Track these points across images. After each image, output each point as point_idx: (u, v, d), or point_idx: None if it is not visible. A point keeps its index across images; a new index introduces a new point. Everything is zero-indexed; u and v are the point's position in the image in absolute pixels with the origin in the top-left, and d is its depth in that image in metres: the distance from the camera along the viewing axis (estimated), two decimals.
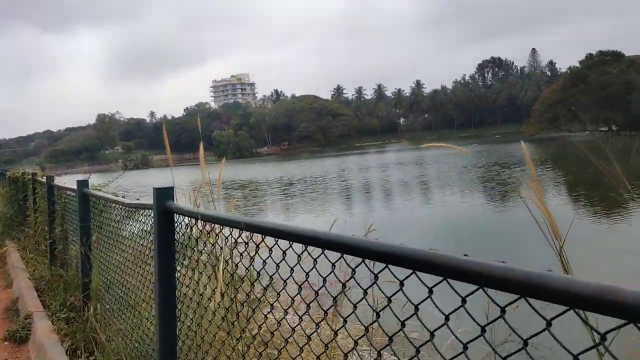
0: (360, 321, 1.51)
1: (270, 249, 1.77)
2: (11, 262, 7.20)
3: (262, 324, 1.98)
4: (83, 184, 4.22)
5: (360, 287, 1.44)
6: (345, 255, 1.41)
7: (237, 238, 2.05)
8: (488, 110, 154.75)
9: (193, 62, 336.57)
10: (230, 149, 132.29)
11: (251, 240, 1.92)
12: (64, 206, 5.62)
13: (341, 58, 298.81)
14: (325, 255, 1.52)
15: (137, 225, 3.33)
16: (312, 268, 1.62)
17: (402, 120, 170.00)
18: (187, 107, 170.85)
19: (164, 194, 2.56)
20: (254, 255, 1.92)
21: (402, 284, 1.29)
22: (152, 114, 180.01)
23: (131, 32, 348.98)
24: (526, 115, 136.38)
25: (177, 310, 2.53)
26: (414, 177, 37.51)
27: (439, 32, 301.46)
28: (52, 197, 6.20)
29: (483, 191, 27.96)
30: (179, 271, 2.57)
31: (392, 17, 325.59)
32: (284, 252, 1.72)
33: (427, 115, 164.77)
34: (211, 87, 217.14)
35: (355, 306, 1.49)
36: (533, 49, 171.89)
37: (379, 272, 1.35)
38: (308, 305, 1.67)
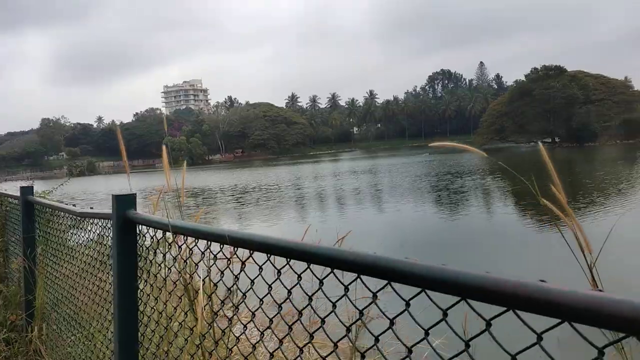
0: (329, 337, 1.38)
1: (261, 267, 1.57)
2: None
3: (233, 346, 1.81)
4: (27, 190, 3.81)
5: (329, 299, 1.36)
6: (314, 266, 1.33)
7: (217, 253, 1.81)
8: (438, 121, 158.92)
9: (144, 68, 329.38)
10: (182, 155, 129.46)
11: (236, 256, 1.69)
12: (4, 215, 5.12)
13: (295, 67, 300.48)
14: (310, 269, 1.39)
15: (89, 237, 2.97)
16: (296, 284, 1.48)
17: (355, 129, 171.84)
18: (137, 113, 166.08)
19: (124, 202, 2.25)
20: (239, 273, 1.68)
21: (375, 296, 1.21)
22: (99, 119, 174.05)
23: (79, 35, 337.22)
24: (474, 126, 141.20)
25: (139, 334, 2.22)
26: (370, 186, 37.78)
27: (392, 44, 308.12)
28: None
29: (437, 200, 28.41)
30: (142, 290, 2.25)
31: (346, 28, 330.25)
32: (279, 271, 1.53)
33: (379, 125, 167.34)
34: (162, 92, 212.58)
35: (323, 320, 1.39)
36: (481, 62, 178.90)
37: (349, 284, 1.28)
38: (290, 327, 1.51)
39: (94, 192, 45.73)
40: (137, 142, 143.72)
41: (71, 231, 3.20)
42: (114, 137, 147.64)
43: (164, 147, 2.54)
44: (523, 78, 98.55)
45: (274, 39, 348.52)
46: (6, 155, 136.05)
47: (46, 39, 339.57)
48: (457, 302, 0.98)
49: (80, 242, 3.14)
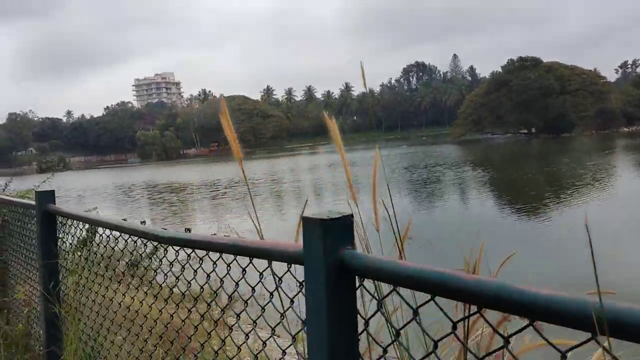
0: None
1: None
2: None
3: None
4: (46, 197, 2.76)
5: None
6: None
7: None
8: (413, 113, 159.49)
9: (116, 61, 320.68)
10: (155, 150, 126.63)
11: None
12: (3, 225, 4.02)
13: (270, 60, 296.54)
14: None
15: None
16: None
17: None
18: (108, 107, 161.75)
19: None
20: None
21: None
22: (69, 113, 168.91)
23: (46, 28, 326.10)
24: (449, 118, 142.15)
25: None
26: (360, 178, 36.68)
27: (366, 37, 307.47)
28: None
29: (430, 193, 27.79)
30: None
31: (320, 23, 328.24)
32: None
33: (355, 117, 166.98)
34: (134, 85, 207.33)
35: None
36: (454, 54, 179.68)
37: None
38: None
39: (83, 188, 43.80)
40: (109, 137, 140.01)
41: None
42: (84, 132, 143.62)
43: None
44: (498, 70, 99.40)
45: (248, 33, 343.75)
46: None
47: (11, 32, 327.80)
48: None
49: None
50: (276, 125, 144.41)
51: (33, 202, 2.81)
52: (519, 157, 50.71)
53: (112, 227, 2.20)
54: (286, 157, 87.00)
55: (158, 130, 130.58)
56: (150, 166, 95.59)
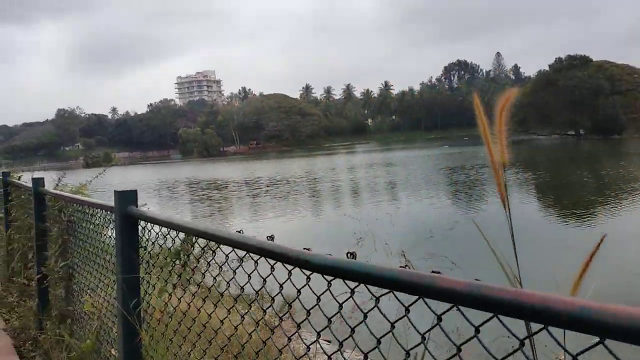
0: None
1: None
2: None
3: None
4: (128, 197, 2.37)
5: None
6: None
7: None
8: (454, 112, 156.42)
9: (158, 58, 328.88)
10: (197, 147, 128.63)
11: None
12: (68, 226, 3.73)
13: (309, 57, 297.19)
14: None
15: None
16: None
17: (370, 121, 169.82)
18: (151, 104, 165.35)
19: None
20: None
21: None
22: (113, 110, 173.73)
23: (94, 25, 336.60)
24: (492, 118, 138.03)
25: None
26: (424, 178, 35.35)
27: (406, 34, 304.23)
28: (42, 208, 4.31)
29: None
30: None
31: (359, 18, 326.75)
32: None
33: (394, 116, 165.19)
34: (176, 83, 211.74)
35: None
36: (497, 52, 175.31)
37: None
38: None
39: (130, 184, 44.62)
40: (152, 133, 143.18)
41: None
42: (128, 129, 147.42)
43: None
44: (543, 69, 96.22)
45: (286, 29, 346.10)
46: (22, 146, 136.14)
47: (60, 30, 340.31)
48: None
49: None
50: (314, 124, 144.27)
51: (111, 204, 2.50)
52: (580, 159, 48.65)
53: (209, 236, 1.91)
54: (332, 155, 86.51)
55: (199, 128, 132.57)
56: (192, 163, 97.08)
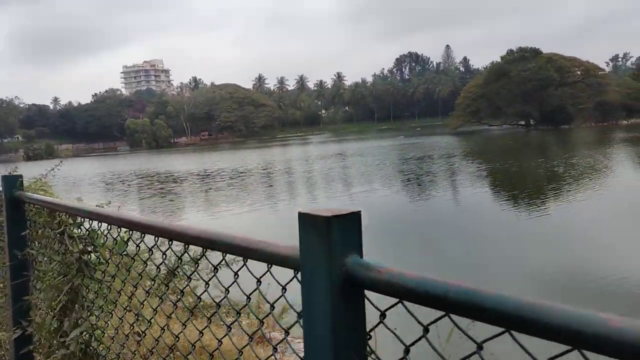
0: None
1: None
2: None
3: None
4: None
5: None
6: None
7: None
8: (406, 104, 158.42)
9: (104, 47, 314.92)
10: (145, 138, 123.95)
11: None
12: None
13: (262, 49, 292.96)
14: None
15: None
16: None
17: (324, 112, 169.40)
18: (96, 94, 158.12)
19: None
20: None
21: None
22: (55, 100, 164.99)
23: (32, 13, 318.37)
24: (443, 109, 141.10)
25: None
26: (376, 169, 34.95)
27: (358, 26, 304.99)
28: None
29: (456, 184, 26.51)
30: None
31: (313, 10, 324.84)
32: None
33: (347, 107, 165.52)
34: (122, 72, 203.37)
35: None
36: (447, 45, 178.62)
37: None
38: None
39: (78, 178, 41.80)
40: (97, 124, 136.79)
41: None
42: (72, 119, 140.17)
43: None
44: (493, 61, 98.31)
45: (238, 20, 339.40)
46: None
47: None
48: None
49: None
50: (268, 115, 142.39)
51: None
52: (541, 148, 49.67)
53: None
54: (285, 146, 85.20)
55: (147, 119, 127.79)
56: (141, 154, 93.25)
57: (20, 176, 2.73)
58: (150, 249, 1.67)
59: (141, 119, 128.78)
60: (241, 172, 37.45)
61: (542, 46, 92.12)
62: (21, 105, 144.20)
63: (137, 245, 1.79)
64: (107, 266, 2.05)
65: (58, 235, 2.24)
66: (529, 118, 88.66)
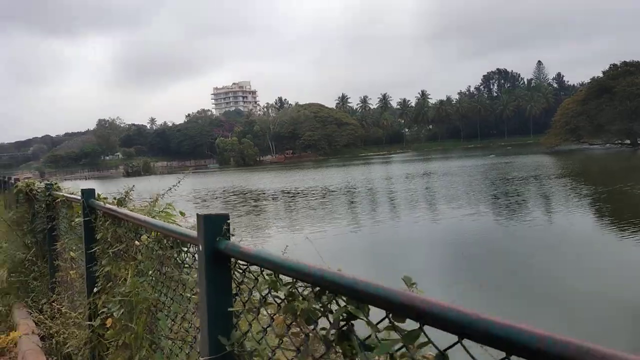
0: None
1: None
2: None
3: None
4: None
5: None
6: None
7: None
8: (494, 121, 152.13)
9: (195, 71, 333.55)
10: (234, 156, 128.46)
11: None
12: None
13: (345, 68, 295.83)
14: None
15: None
16: None
17: (407, 130, 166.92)
18: (189, 114, 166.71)
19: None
20: None
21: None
22: (152, 120, 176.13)
23: (133, 39, 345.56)
24: (534, 127, 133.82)
25: None
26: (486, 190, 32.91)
27: (443, 44, 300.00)
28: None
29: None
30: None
31: (396, 29, 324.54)
32: None
33: (431, 126, 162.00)
34: (212, 94, 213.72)
35: None
36: (539, 61, 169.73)
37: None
38: None
39: (177, 194, 43.27)
40: (189, 143, 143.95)
41: None
42: (166, 138, 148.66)
43: None
44: (585, 78, 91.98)
45: (322, 41, 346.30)
46: (65, 155, 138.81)
47: (101, 43, 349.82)
48: None
49: None
50: (351, 133, 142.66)
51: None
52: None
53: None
54: (369, 165, 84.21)
55: (236, 137, 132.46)
56: (230, 172, 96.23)
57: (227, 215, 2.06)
58: None
59: (230, 138, 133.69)
60: (332, 191, 36.97)
61: None
62: (122, 125, 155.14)
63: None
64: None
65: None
66: (636, 137, 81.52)
